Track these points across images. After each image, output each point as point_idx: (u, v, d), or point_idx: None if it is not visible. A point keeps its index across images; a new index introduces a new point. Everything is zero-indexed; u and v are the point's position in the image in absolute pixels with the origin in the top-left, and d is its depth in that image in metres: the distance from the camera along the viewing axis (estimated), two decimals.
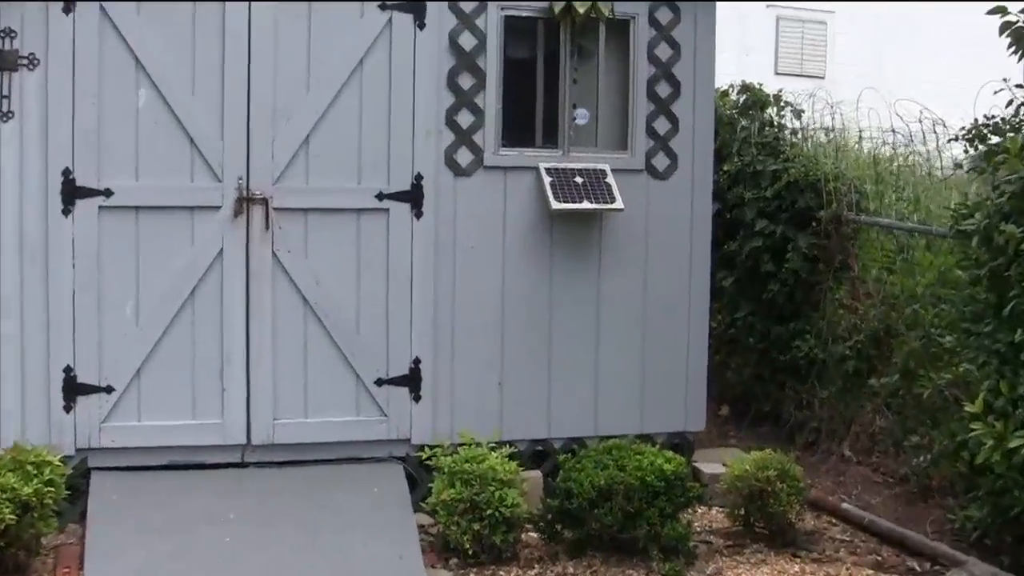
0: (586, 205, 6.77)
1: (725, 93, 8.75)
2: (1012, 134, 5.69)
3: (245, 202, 6.51)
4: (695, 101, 7.13)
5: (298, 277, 6.61)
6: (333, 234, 6.64)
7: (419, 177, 6.71)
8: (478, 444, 6.27)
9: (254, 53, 6.46)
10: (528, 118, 7.00)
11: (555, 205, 6.73)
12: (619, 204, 6.80)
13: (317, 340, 6.66)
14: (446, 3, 6.67)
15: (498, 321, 6.87)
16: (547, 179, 6.79)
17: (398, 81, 6.65)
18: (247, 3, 6.40)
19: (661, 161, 7.07)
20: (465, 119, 6.77)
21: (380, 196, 6.69)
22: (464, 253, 6.81)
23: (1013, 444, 4.90)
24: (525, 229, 6.88)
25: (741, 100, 8.67)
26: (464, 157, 6.78)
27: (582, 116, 7.01)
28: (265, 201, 6.53)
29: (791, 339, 8.13)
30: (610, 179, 6.89)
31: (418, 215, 6.72)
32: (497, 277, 6.86)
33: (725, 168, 8.43)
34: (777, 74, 17.44)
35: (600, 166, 6.93)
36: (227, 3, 6.39)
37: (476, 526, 5.95)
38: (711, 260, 7.33)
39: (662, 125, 7.06)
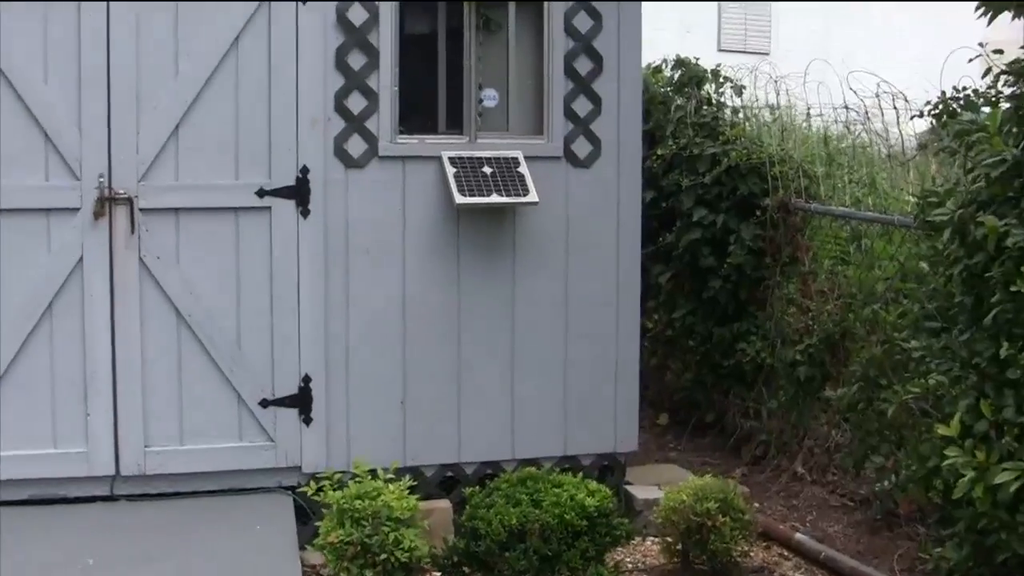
0: (495, 199, 5.90)
1: (658, 69, 7.88)
2: (988, 109, 4.77)
3: (107, 203, 5.62)
4: (620, 77, 6.27)
5: (169, 286, 5.72)
6: (208, 237, 5.75)
7: (305, 170, 5.82)
8: (374, 474, 5.40)
9: (114, 33, 5.57)
10: (429, 101, 6.13)
11: (459, 199, 5.85)
12: (533, 197, 5.92)
13: (193, 357, 5.77)
14: None
15: (399, 332, 6.01)
16: (451, 170, 5.91)
17: (279, 62, 5.76)
18: None
19: (582, 147, 6.20)
20: (357, 103, 5.88)
21: (261, 192, 5.80)
22: (359, 256, 5.94)
23: (1000, 479, 4.04)
24: (428, 227, 6.01)
25: (676, 77, 7.79)
26: (356, 147, 5.90)
27: (490, 97, 6.14)
28: (130, 201, 5.64)
29: (735, 341, 7.30)
30: (523, 168, 6.01)
31: (305, 213, 5.84)
32: (397, 282, 5.99)
33: (659, 152, 7.57)
34: (720, 51, 16.57)
35: (512, 154, 6.06)
36: None
37: (369, 573, 5.08)
38: (645, 255, 6.50)
39: (582, 106, 6.19)
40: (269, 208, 5.84)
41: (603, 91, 6.26)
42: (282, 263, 5.86)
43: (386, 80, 5.93)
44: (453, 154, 6.00)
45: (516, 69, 6.21)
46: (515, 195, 5.93)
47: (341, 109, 5.88)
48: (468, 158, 6.01)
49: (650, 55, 7.35)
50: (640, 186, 6.42)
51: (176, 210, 5.73)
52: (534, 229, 6.17)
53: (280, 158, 5.83)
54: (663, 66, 7.94)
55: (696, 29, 16.07)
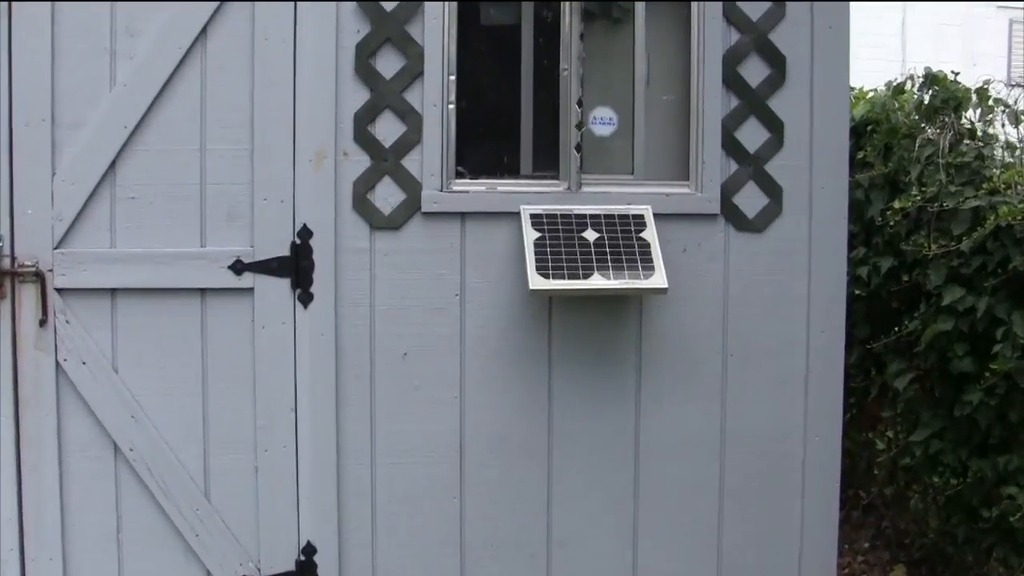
0: (597, 282, 3.48)
1: (900, 89, 5.20)
2: None
3: (7, 279, 3.53)
4: (815, 90, 3.75)
5: (101, 405, 3.62)
6: (161, 332, 3.62)
7: (305, 233, 3.57)
8: None
9: (16, 32, 3.50)
10: (505, 127, 3.78)
11: (536, 282, 3.49)
12: (659, 280, 3.50)
13: (138, 514, 3.67)
14: None
15: (453, 484, 3.71)
16: (531, 234, 3.55)
17: (266, 66, 3.58)
18: None
19: (752, 198, 3.75)
20: (389, 130, 3.61)
21: (239, 266, 3.57)
22: (391, 365, 3.67)
23: None
24: (502, 323, 3.71)
25: (925, 99, 5.10)
26: (388, 196, 3.63)
27: (603, 121, 3.74)
28: (40, 277, 3.53)
29: (1001, 483, 4.55)
30: (650, 232, 3.59)
31: (305, 298, 3.57)
32: (451, 407, 3.71)
33: (898, 205, 4.89)
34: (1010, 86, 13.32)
35: (635, 210, 3.62)
36: None
37: None
38: (881, 347, 3.92)
39: (753, 134, 3.74)
40: (251, 290, 3.61)
41: (787, 111, 3.77)
42: (271, 374, 3.64)
43: (435, 94, 3.62)
44: (539, 209, 3.63)
45: (645, 79, 3.75)
46: (631, 276, 3.51)
47: (364, 138, 3.61)
48: (562, 216, 3.63)
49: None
50: (845, 260, 3.85)
51: (112, 291, 3.60)
52: (671, 327, 3.73)
53: (267, 214, 3.61)
54: (908, 84, 5.25)
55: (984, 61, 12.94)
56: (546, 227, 3.65)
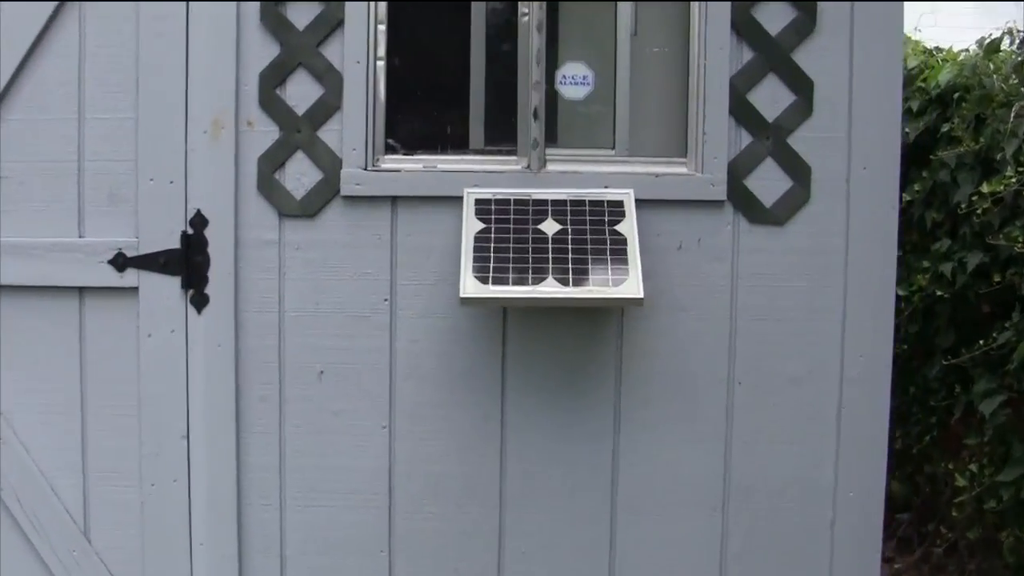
0: (549, 290, 2.62)
1: (994, 47, 4.11)
2: None
3: None
4: (855, 37, 2.80)
5: None
6: (33, 338, 2.93)
7: (199, 221, 2.82)
8: None
9: None
10: (450, 89, 2.95)
11: (470, 289, 2.64)
12: (632, 288, 2.67)
13: (5, 552, 2.91)
14: None
15: (381, 531, 2.99)
16: (472, 225, 2.69)
17: (153, 14, 2.81)
18: None
19: (770, 180, 2.87)
20: (303, 92, 2.86)
21: (120, 261, 2.85)
22: (304, 384, 2.88)
23: None
24: (441, 335, 2.90)
25: (1021, 59, 4.01)
26: (301, 175, 2.88)
27: (576, 81, 2.90)
28: None
29: None
30: (627, 223, 2.72)
31: (199, 301, 2.82)
32: (378, 438, 2.95)
33: (988, 189, 3.84)
34: None
35: (611, 194, 2.74)
36: None
37: None
38: (967, 360, 3.14)
39: (773, 96, 2.81)
40: (135, 290, 2.86)
41: (818, 67, 2.82)
42: (159, 392, 2.93)
43: (359, 48, 2.82)
44: (486, 193, 2.79)
45: (631, 27, 2.85)
46: (597, 281, 2.63)
47: (271, 104, 2.84)
48: (516, 202, 2.78)
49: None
50: (894, 263, 2.87)
51: None
52: (662, 347, 2.85)
53: (154, 197, 2.86)
54: (1005, 41, 4.16)
55: None
56: (494, 216, 2.80)
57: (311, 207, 2.90)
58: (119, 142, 2.93)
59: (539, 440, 2.93)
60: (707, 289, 2.91)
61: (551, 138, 2.92)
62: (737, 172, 2.89)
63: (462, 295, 2.66)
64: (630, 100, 2.92)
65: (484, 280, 2.68)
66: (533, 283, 2.68)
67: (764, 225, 2.91)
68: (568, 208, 2.82)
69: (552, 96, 2.94)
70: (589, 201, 2.83)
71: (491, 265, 2.71)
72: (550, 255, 2.73)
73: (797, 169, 2.90)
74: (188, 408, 2.95)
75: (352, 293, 2.92)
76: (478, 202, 2.83)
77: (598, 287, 2.67)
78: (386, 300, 2.91)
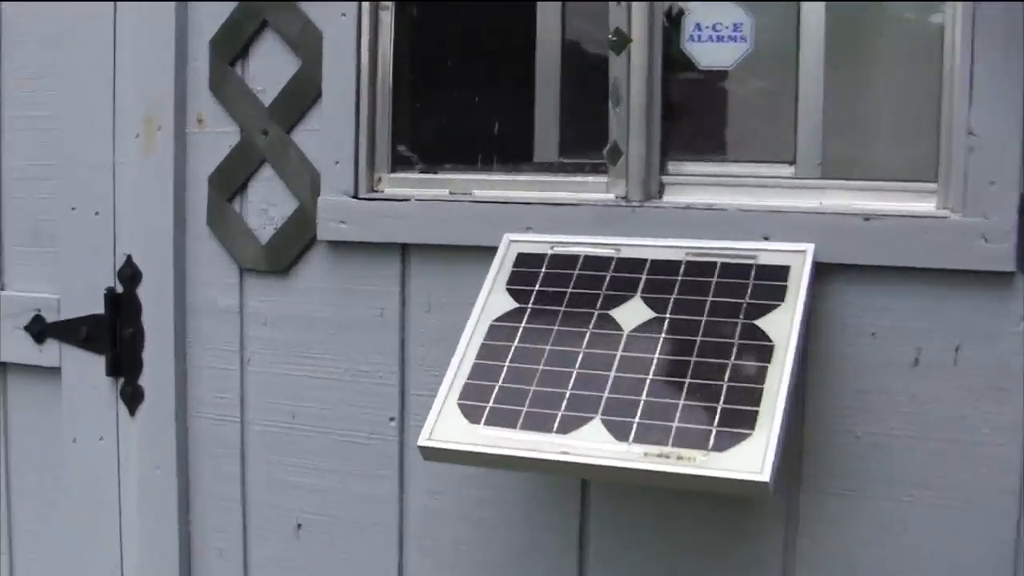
0: (585, 445, 1.28)
1: None
2: None
3: None
4: None
5: None
6: None
7: (131, 274, 1.73)
8: None
9: None
10: (503, 67, 1.59)
11: (440, 431, 1.29)
12: (747, 460, 1.18)
13: None
14: None
15: None
16: (499, 303, 1.37)
17: None
18: None
19: None
20: (271, 70, 1.65)
21: (37, 327, 1.83)
22: (274, 538, 1.73)
23: None
24: (480, 485, 1.58)
25: None
26: (266, 205, 1.75)
27: (721, 34, 1.44)
28: None
29: None
30: (782, 315, 1.27)
31: (131, 396, 1.72)
32: None
33: None
34: None
35: (770, 250, 1.32)
36: None
37: None
38: None
39: None
40: (58, 371, 1.81)
41: None
42: (88, 526, 1.90)
43: None
44: (539, 242, 1.42)
45: None
46: (682, 440, 1.21)
47: (227, 87, 1.73)
48: (588, 261, 1.40)
49: None
50: None
51: None
52: (870, 550, 1.33)
53: (76, 235, 1.84)
54: None
55: None
56: (539, 287, 1.45)
57: (281, 258, 1.70)
58: (44, 155, 1.88)
59: None
60: (974, 449, 1.37)
61: (674, 147, 1.50)
62: None
63: (421, 440, 1.34)
64: (824, 80, 1.43)
65: (473, 414, 1.34)
66: (562, 430, 1.30)
67: None
68: (679, 278, 1.40)
69: (675, 64, 1.51)
70: (723, 265, 1.39)
71: (498, 385, 1.36)
72: (612, 374, 1.33)
73: None
74: (122, 556, 1.85)
75: (341, 402, 1.68)
76: (521, 260, 1.48)
77: (682, 449, 1.24)
78: (393, 420, 1.65)
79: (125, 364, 1.82)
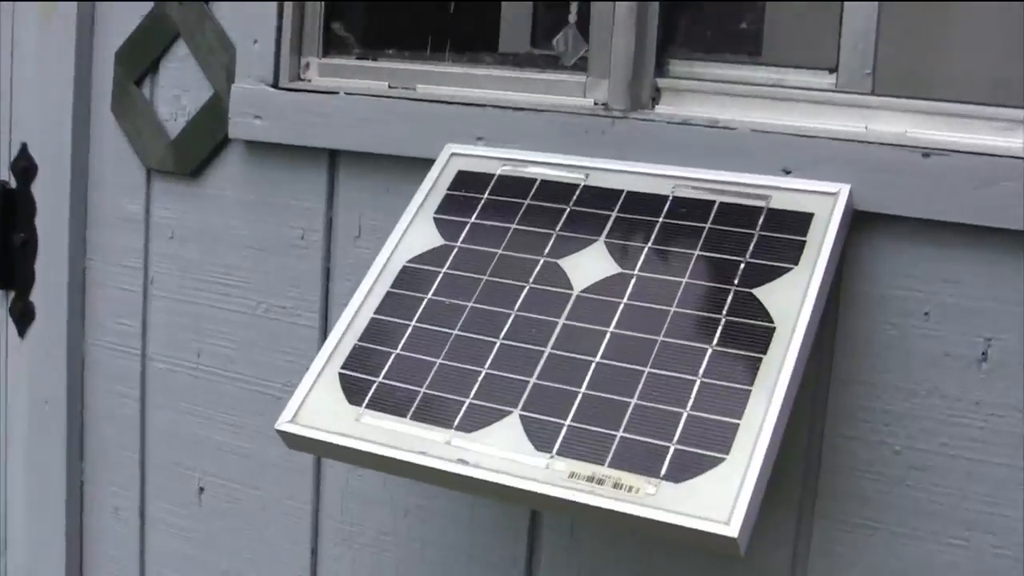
0: (493, 453, 0.90)
1: None
2: None
3: None
4: None
5: None
6: None
7: (26, 167, 1.40)
8: None
9: None
10: None
11: (306, 413, 0.91)
12: (709, 506, 0.79)
13: None
14: None
15: None
16: (421, 233, 0.97)
17: None
18: None
19: None
20: None
21: None
22: (175, 499, 1.39)
23: None
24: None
25: None
26: (178, 91, 1.36)
27: None
28: None
29: None
30: (791, 288, 0.84)
31: (22, 314, 1.40)
32: None
33: None
34: None
35: (787, 188, 0.88)
36: None
37: None
38: None
39: None
40: None
41: None
42: None
43: None
44: (485, 157, 1.02)
45: None
46: (623, 460, 0.80)
47: None
48: (545, 187, 0.99)
49: None
50: None
51: None
52: None
53: None
54: None
55: None
56: (477, 219, 1.05)
57: (190, 157, 1.33)
58: None
59: None
60: None
61: (676, 41, 1.08)
62: None
63: (280, 423, 0.96)
64: None
65: (356, 390, 0.96)
66: (465, 426, 0.92)
67: None
68: (660, 219, 0.99)
69: None
70: (722, 206, 0.98)
71: (395, 352, 0.98)
72: (546, 351, 0.94)
73: None
74: (5, 503, 1.55)
75: (253, 344, 1.33)
76: (460, 180, 1.09)
77: (623, 473, 0.85)
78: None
79: (17, 275, 1.49)
